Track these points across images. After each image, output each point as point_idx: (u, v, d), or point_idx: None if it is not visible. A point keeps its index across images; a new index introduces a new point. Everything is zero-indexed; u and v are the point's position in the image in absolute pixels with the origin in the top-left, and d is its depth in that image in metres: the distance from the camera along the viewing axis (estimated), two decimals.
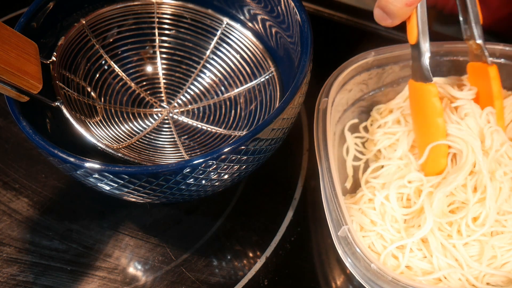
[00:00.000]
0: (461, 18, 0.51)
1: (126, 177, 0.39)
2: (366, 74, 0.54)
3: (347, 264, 0.41)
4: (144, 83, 0.56)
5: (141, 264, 0.50)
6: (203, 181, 0.41)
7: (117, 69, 0.54)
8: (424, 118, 0.49)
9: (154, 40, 0.56)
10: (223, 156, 0.39)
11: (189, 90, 0.56)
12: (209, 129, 0.54)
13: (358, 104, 0.56)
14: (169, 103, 0.56)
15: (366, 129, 0.56)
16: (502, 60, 0.54)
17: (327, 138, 0.47)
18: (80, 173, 0.40)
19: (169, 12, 0.55)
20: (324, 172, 0.45)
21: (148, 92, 0.56)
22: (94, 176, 0.39)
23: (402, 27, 0.71)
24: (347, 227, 0.42)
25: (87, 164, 0.38)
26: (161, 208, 0.53)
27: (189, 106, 0.55)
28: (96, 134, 0.49)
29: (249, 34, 0.55)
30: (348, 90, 0.53)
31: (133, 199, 0.43)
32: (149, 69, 0.56)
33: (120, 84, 0.54)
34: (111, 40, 0.54)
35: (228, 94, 0.55)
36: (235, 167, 0.42)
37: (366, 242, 0.47)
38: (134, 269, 0.49)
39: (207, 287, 0.48)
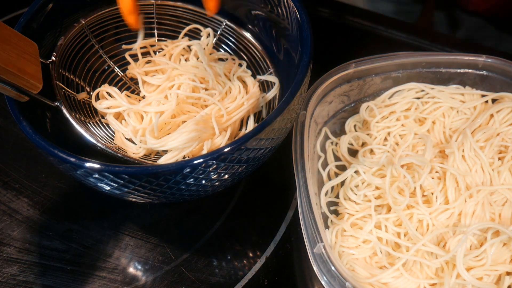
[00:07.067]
0: None
1: (126, 177, 0.39)
2: (347, 86, 0.53)
3: (322, 282, 0.41)
4: None
5: (141, 264, 0.49)
6: (203, 181, 0.41)
7: (116, 69, 0.54)
8: None
9: None
10: (223, 156, 0.39)
11: None
12: None
13: (340, 116, 0.55)
14: None
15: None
16: (484, 72, 0.53)
17: (304, 152, 0.46)
18: (80, 173, 0.40)
19: (169, 13, 0.55)
20: (300, 187, 0.44)
21: None
22: (94, 176, 0.39)
23: (405, 29, 0.70)
24: (322, 244, 0.41)
25: (87, 164, 0.38)
26: (161, 208, 0.53)
27: None
28: (96, 134, 0.49)
29: (248, 35, 0.55)
30: (328, 102, 0.53)
31: (133, 199, 0.43)
32: None
33: (120, 84, 0.54)
34: (110, 40, 0.54)
35: None
36: (235, 167, 0.42)
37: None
38: (134, 269, 0.49)
39: (207, 287, 0.48)
